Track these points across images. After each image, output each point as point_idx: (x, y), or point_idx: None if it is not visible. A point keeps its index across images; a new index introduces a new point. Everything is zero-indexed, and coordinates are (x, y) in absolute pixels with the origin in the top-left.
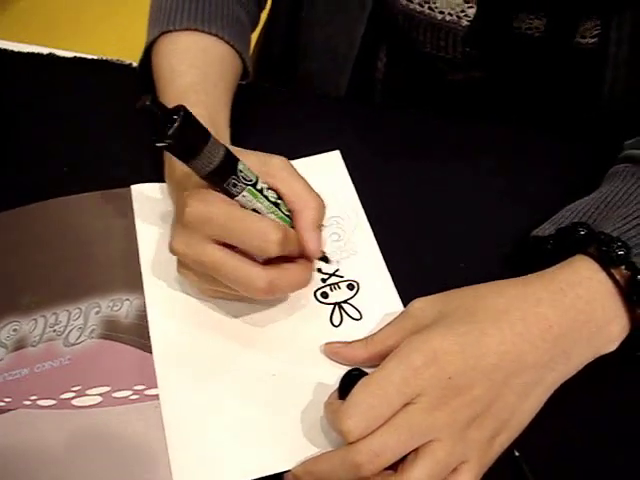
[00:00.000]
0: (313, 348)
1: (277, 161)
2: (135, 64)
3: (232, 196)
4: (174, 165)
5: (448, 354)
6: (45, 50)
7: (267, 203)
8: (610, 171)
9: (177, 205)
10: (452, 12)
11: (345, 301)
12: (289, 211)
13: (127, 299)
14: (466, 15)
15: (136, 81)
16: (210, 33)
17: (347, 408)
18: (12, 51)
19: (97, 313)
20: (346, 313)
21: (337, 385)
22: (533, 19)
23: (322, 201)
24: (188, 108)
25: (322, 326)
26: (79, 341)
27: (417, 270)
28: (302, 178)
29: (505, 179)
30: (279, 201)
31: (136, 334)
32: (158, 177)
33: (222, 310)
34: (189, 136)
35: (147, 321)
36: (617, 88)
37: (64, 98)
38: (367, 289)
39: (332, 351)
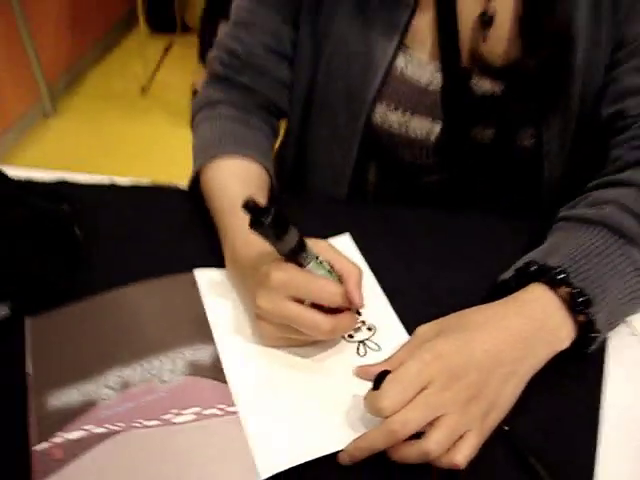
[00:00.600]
0: (348, 370)
1: (324, 243)
2: (180, 186)
3: (302, 266)
4: (250, 249)
5: (448, 353)
6: (106, 179)
7: (324, 271)
8: (552, 228)
9: (254, 277)
10: (422, 131)
11: (367, 339)
12: (339, 276)
13: (203, 348)
14: (432, 133)
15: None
16: (247, 155)
17: (382, 394)
18: (79, 183)
19: (182, 359)
20: (368, 347)
21: (368, 390)
22: (484, 130)
23: (360, 269)
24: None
25: (352, 356)
26: (171, 379)
27: (415, 315)
28: (342, 253)
29: (471, 249)
30: (331, 269)
31: (213, 371)
32: None
33: (279, 350)
34: (277, 225)
35: (220, 361)
36: (554, 176)
37: (126, 219)
38: (382, 330)
39: (363, 370)
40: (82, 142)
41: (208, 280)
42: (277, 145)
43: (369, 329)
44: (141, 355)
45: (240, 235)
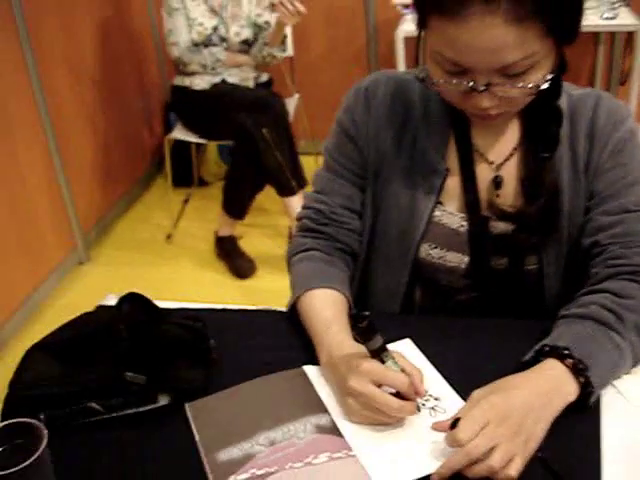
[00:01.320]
0: (426, 425)
1: (397, 352)
2: (279, 309)
3: (383, 362)
4: (342, 351)
5: (498, 403)
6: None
7: (398, 368)
8: (556, 323)
9: (346, 368)
10: (455, 262)
11: (435, 406)
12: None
13: (323, 416)
14: (463, 263)
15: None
16: (332, 287)
17: (459, 430)
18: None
19: (310, 424)
20: (437, 411)
21: (447, 432)
22: (500, 259)
23: (420, 371)
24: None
25: (427, 417)
26: (305, 436)
27: (466, 387)
28: (408, 360)
29: (496, 343)
30: (402, 369)
31: (333, 430)
32: None
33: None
34: (369, 329)
35: (335, 423)
36: (553, 291)
37: (239, 333)
38: (444, 400)
39: (439, 425)
40: (114, 286)
41: (314, 372)
42: None
43: (436, 399)
44: (281, 422)
45: (334, 342)
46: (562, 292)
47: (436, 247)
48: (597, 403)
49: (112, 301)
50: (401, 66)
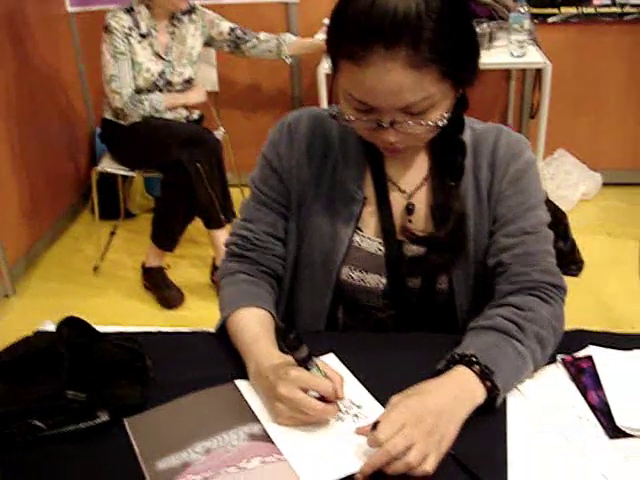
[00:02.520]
0: (350, 430)
1: (320, 360)
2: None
3: (309, 370)
4: (270, 361)
5: (414, 407)
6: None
7: (322, 375)
8: (465, 335)
9: (274, 376)
10: (374, 283)
11: (358, 413)
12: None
13: (254, 425)
14: (381, 284)
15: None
16: (260, 307)
17: (378, 432)
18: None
19: (243, 432)
20: (358, 417)
21: (369, 433)
22: (415, 280)
23: (341, 376)
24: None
25: (350, 423)
26: (238, 444)
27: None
28: (330, 367)
29: (413, 353)
30: (325, 375)
31: (264, 437)
32: None
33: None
34: (296, 340)
35: (266, 431)
36: (463, 307)
37: (174, 353)
38: (365, 406)
39: (362, 429)
40: (42, 318)
41: (245, 385)
42: None
43: (358, 407)
44: (215, 432)
45: (262, 353)
46: (471, 308)
47: (356, 269)
48: (503, 405)
49: (49, 327)
50: (323, 101)
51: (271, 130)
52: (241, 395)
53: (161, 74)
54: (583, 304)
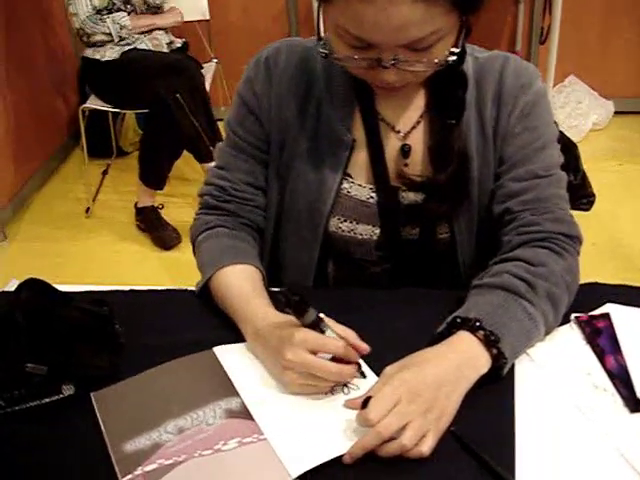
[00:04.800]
0: (339, 404)
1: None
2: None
3: (323, 332)
4: (269, 320)
5: (410, 379)
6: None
7: (334, 335)
8: (468, 294)
9: (278, 340)
10: (366, 234)
11: (348, 382)
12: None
13: (232, 399)
14: (374, 235)
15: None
16: (248, 263)
17: (369, 410)
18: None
19: (219, 408)
20: (350, 388)
21: (358, 411)
22: (412, 230)
23: (352, 331)
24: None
25: (340, 395)
26: (214, 422)
27: (380, 362)
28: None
29: (411, 313)
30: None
31: (243, 413)
32: None
33: (290, 395)
34: (303, 303)
35: (246, 406)
36: (466, 259)
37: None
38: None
39: (351, 402)
40: (33, 264)
41: (225, 352)
42: None
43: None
44: (190, 409)
45: (259, 314)
46: (475, 260)
47: (346, 220)
48: (510, 373)
49: (14, 287)
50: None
51: (247, 66)
52: (220, 365)
53: None
54: (594, 240)
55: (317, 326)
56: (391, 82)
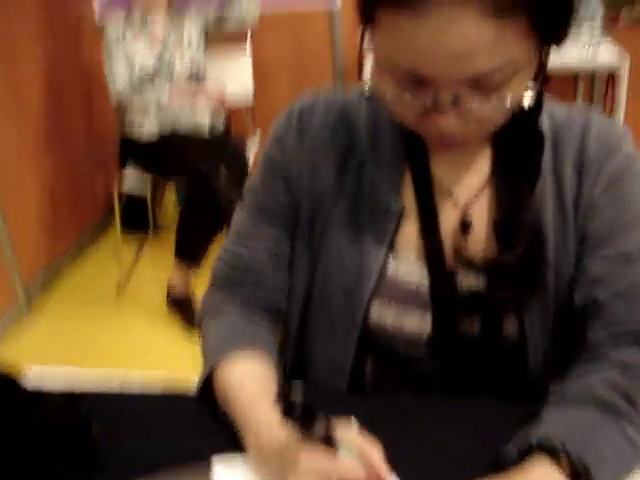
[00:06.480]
0: None
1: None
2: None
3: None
4: (274, 435)
5: None
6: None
7: (354, 454)
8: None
9: (280, 460)
10: (415, 327)
11: None
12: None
13: None
14: (425, 328)
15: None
16: (256, 353)
17: None
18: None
19: None
20: None
21: None
22: (472, 323)
23: (379, 448)
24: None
25: None
26: None
27: None
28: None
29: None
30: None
31: None
32: None
33: None
34: (305, 414)
35: None
36: (538, 363)
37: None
38: None
39: None
40: (58, 342)
41: (223, 467)
42: None
43: None
44: None
45: (264, 423)
46: (549, 363)
47: (391, 308)
48: None
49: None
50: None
51: (275, 122)
52: None
53: (160, 58)
54: None
55: (328, 441)
56: (450, 133)
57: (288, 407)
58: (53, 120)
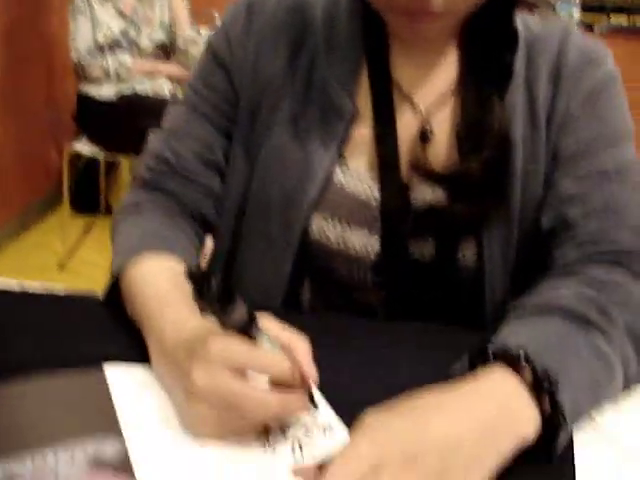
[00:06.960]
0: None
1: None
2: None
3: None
4: (181, 332)
5: (403, 431)
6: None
7: (275, 346)
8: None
9: (186, 354)
10: (360, 246)
11: (301, 440)
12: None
13: (109, 441)
14: (373, 248)
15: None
16: (175, 255)
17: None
18: None
19: (84, 451)
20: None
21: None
22: (424, 245)
23: (306, 342)
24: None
25: (287, 456)
26: (66, 473)
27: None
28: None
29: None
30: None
31: (117, 463)
32: None
33: (201, 446)
34: (224, 293)
35: (127, 454)
36: (496, 299)
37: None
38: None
39: (302, 470)
40: None
41: (119, 372)
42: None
43: (306, 430)
44: (37, 445)
45: (170, 320)
46: (507, 297)
47: (334, 221)
48: (569, 447)
49: None
50: None
51: (225, 9)
52: (106, 388)
53: (124, 33)
54: None
55: (246, 329)
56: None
57: (202, 289)
58: (11, 87)
